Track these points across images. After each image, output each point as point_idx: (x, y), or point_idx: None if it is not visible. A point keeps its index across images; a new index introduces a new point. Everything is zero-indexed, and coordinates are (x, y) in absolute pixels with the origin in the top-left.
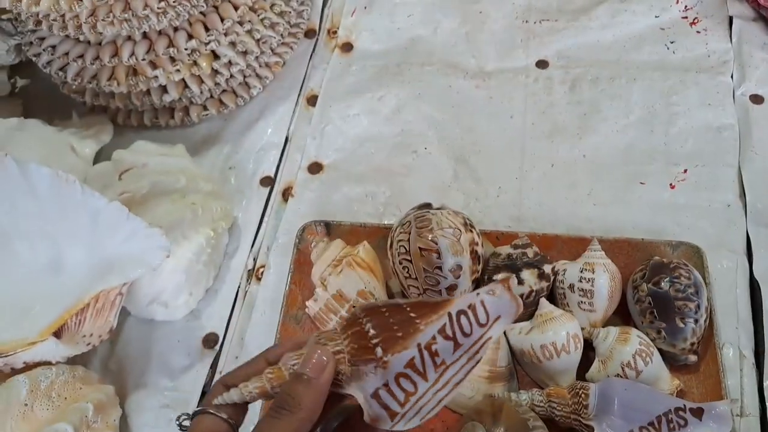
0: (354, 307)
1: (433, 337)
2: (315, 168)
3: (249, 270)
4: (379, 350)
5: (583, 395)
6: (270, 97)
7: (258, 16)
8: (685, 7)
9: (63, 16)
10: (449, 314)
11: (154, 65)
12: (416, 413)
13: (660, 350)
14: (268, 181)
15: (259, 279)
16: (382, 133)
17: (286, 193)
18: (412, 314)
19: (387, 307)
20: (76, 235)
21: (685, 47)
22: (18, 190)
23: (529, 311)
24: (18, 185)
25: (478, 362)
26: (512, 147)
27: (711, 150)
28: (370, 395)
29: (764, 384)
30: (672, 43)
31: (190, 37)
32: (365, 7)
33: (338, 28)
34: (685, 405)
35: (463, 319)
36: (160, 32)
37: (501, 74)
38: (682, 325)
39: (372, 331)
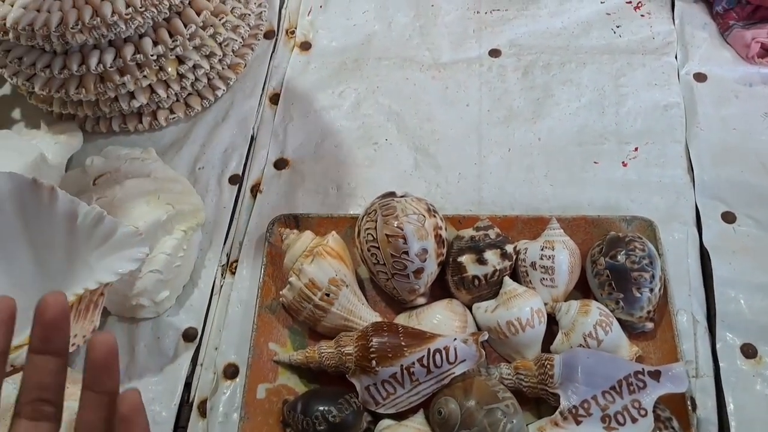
0: (327, 295)
1: (413, 363)
2: (281, 164)
3: (223, 265)
4: (374, 362)
5: (548, 366)
6: (234, 98)
7: (219, 19)
8: None
9: (31, 25)
10: (429, 349)
11: (121, 72)
12: (393, 406)
13: (619, 320)
14: (237, 179)
15: (233, 273)
16: (343, 127)
17: (255, 190)
18: (403, 342)
19: (388, 331)
20: (56, 240)
21: (630, 31)
22: None
23: (493, 290)
24: None
25: (444, 385)
26: (469, 134)
27: (659, 128)
28: (364, 387)
29: (717, 346)
30: (618, 27)
31: (156, 43)
32: (321, 6)
33: (296, 28)
34: (643, 368)
35: (437, 355)
36: (125, 40)
37: (455, 65)
38: (638, 295)
39: (373, 347)
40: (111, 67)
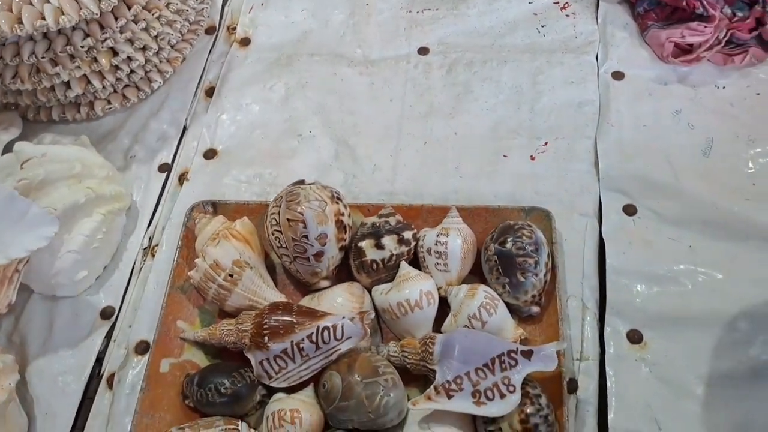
0: (230, 275)
1: (303, 339)
2: (210, 154)
3: (144, 248)
4: (266, 338)
5: (430, 344)
6: (170, 90)
7: (153, 14)
8: None
9: None
10: (318, 326)
11: (54, 62)
12: (285, 380)
13: (507, 303)
14: (166, 168)
15: (153, 256)
16: (271, 120)
17: (182, 178)
18: (295, 320)
19: (282, 310)
20: None
21: (554, 30)
22: None
23: (391, 274)
24: None
25: (332, 361)
26: (389, 128)
27: (571, 124)
28: (258, 362)
29: (605, 331)
30: (543, 26)
31: (87, 35)
32: (262, 4)
33: (237, 25)
34: (517, 348)
35: (325, 332)
36: (59, 32)
37: (384, 62)
38: (522, 279)
39: (266, 324)
40: (43, 57)
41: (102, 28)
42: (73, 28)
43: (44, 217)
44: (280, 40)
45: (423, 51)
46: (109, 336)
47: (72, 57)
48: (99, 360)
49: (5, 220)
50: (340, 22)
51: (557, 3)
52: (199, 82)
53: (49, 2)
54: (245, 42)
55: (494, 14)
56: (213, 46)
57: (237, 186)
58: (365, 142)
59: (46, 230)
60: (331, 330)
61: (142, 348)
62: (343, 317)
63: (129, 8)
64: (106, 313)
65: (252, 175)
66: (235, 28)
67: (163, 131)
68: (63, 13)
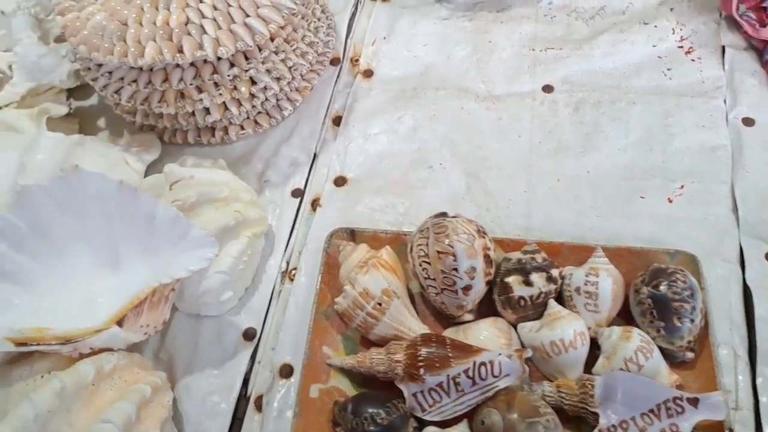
0: (379, 304)
1: (459, 374)
2: (340, 181)
3: (283, 272)
4: (422, 370)
5: (589, 386)
6: (299, 118)
7: (291, 46)
8: (681, 37)
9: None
10: (474, 362)
11: (199, 89)
12: (438, 413)
13: (660, 348)
14: (298, 193)
15: (291, 279)
16: (400, 150)
17: (315, 204)
18: (450, 354)
19: (436, 342)
20: (135, 237)
21: (680, 74)
22: (87, 198)
23: (538, 311)
24: (87, 193)
25: (488, 397)
26: (520, 163)
27: (705, 168)
28: (411, 394)
29: (757, 381)
30: (669, 70)
31: (232, 65)
32: (384, 38)
33: (360, 57)
34: (682, 395)
35: (482, 368)
36: (205, 61)
37: (509, 98)
38: (679, 325)
39: (420, 356)
40: (190, 84)
41: (246, 58)
42: (219, 58)
43: (205, 239)
44: (403, 73)
45: (547, 89)
46: (252, 357)
47: (216, 85)
48: (244, 381)
49: (168, 240)
50: (462, 57)
51: (681, 47)
52: (326, 111)
53: (206, 33)
54: (368, 74)
55: (618, 56)
56: (338, 76)
57: (370, 214)
58: (496, 176)
59: (206, 251)
60: (489, 366)
61: (287, 371)
62: (500, 354)
63: (272, 40)
64: (249, 335)
65: (384, 204)
66: (358, 60)
67: (294, 157)
68: (220, 45)
